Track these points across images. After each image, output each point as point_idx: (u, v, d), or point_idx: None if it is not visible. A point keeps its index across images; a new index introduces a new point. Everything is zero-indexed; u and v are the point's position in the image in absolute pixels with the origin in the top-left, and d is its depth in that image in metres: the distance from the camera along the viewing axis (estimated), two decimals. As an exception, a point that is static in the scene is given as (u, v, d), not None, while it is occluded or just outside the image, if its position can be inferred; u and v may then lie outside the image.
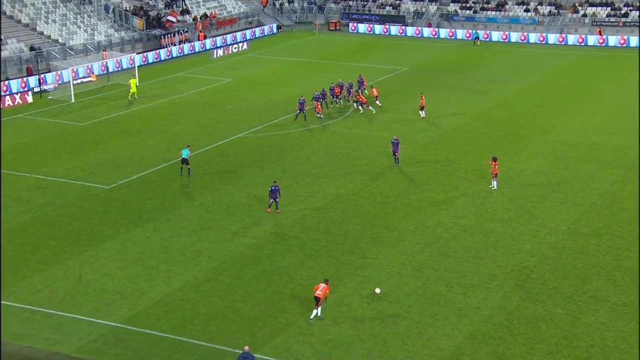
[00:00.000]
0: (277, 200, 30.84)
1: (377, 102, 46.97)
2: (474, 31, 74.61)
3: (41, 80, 51.77)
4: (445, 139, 41.09)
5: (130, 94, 49.69)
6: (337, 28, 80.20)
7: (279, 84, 54.12)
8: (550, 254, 27.68)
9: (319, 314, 23.20)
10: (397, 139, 36.66)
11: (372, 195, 33.24)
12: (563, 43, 69.73)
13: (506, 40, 71.78)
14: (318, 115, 43.85)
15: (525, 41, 71.10)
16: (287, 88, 52.92)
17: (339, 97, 46.60)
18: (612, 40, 68.72)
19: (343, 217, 30.86)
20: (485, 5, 78.61)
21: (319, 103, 44.08)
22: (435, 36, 74.45)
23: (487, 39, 72.36)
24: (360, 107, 45.20)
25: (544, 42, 70.24)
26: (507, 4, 78.25)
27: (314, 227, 29.93)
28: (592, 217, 30.56)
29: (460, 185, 34.29)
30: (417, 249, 28.19)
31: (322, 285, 23.56)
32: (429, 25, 77.57)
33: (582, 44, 69.15)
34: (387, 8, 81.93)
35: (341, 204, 32.28)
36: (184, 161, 35.12)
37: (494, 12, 77.59)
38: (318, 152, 38.98)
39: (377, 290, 24.20)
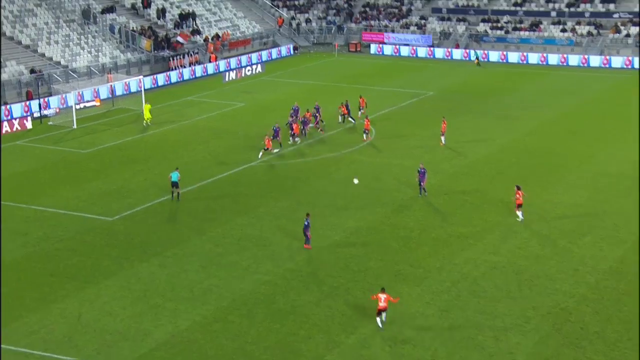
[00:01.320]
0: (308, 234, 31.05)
1: (360, 113, 49.88)
2: (473, 50, 75.02)
3: (42, 105, 52.68)
4: (474, 168, 41.07)
5: (144, 120, 50.36)
6: (358, 49, 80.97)
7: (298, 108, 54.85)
8: (590, 295, 27.38)
9: (384, 319, 24.95)
10: (423, 168, 36.78)
11: (395, 229, 33.23)
12: (607, 66, 69.32)
13: (544, 63, 71.87)
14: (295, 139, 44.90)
15: (564, 63, 70.87)
16: (304, 113, 53.45)
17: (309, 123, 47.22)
18: (661, 62, 68.33)
19: (363, 253, 30.85)
20: (518, 25, 79.00)
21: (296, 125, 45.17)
22: (467, 58, 74.84)
23: (524, 61, 72.52)
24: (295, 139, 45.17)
25: (585, 65, 69.93)
26: (541, 23, 78.53)
27: (332, 263, 29.94)
28: (637, 255, 30.19)
29: (490, 219, 34.19)
30: (444, 288, 28.06)
31: (383, 296, 24.55)
32: (457, 47, 78.07)
33: (629, 66, 68.70)
34: (412, 28, 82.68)
35: (361, 238, 32.28)
36: (174, 185, 35.69)
37: (527, 33, 77.91)
38: (336, 182, 39.13)
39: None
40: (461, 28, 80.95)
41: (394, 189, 38.04)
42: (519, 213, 33.63)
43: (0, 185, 38.29)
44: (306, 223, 30.94)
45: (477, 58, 73.96)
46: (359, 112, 52.03)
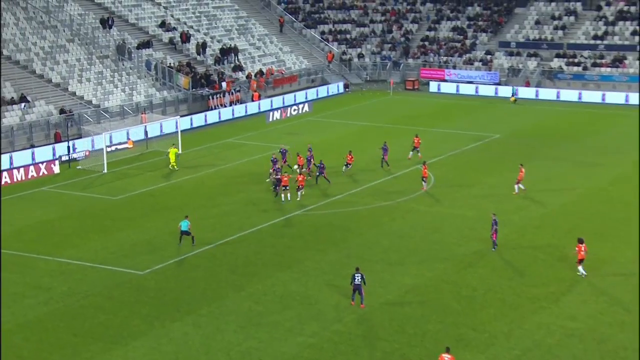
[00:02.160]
0: (361, 291, 30.88)
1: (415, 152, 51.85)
2: (514, 87, 74.89)
3: (70, 148, 54.06)
4: (547, 220, 40.49)
5: (170, 164, 51.25)
6: (416, 87, 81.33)
7: (345, 152, 55.00)
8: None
9: None
10: (496, 218, 36.54)
11: (456, 288, 32.81)
12: None
13: (628, 103, 70.87)
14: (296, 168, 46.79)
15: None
16: (355, 157, 53.60)
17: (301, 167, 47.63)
18: None
19: (421, 314, 30.49)
20: (599, 61, 78.17)
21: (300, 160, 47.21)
22: (533, 97, 74.58)
23: (605, 101, 71.70)
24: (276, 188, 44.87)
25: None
26: (626, 59, 77.55)
27: (385, 325, 29.63)
28: None
29: (567, 278, 33.49)
30: (513, 356, 27.45)
31: (447, 356, 24.70)
32: (527, 85, 77.73)
33: None
34: (476, 64, 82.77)
35: (418, 297, 31.96)
36: (184, 233, 36.70)
37: (609, 69, 77.06)
38: (390, 233, 38.99)
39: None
40: (532, 64, 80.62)
41: (455, 242, 37.67)
42: (580, 268, 33.22)
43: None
44: (357, 280, 30.86)
45: (513, 95, 73.71)
46: (411, 153, 52.52)
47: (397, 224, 40.42)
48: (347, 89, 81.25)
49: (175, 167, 51.09)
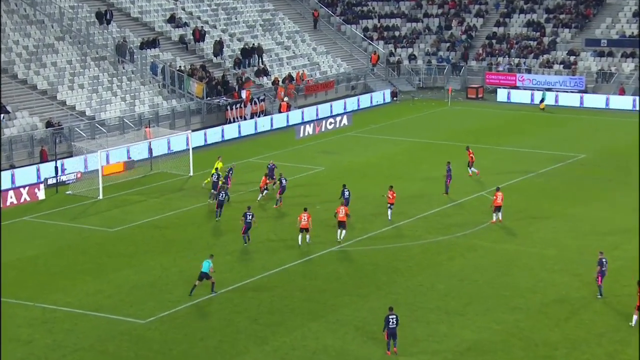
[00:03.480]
0: (396, 336, 30.95)
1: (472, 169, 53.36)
2: (544, 92, 75.36)
3: (59, 169, 54.56)
4: (649, 260, 39.99)
5: (205, 182, 51.98)
6: (480, 96, 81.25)
7: (393, 176, 54.79)
8: None
9: None
10: (604, 258, 36.22)
11: (530, 345, 32.40)
12: None
13: None
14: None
15: None
16: (405, 181, 53.42)
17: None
18: None
19: (486, 377, 30.18)
20: None
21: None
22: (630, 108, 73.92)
23: None
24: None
25: None
26: None
27: (442, 391, 29.36)
28: None
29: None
30: None
31: None
32: (622, 92, 77.05)
33: None
34: (557, 67, 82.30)
35: (482, 356, 31.62)
36: (204, 276, 36.52)
37: None
38: (448, 276, 38.76)
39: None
40: (628, 67, 79.82)
41: (530, 288, 37.29)
42: (635, 317, 33.29)
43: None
44: (392, 323, 30.92)
45: (542, 101, 73.50)
46: (470, 170, 53.35)
47: (456, 264, 40.14)
48: (395, 98, 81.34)
49: (226, 185, 51.59)
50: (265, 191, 50.21)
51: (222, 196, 47.05)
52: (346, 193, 46.97)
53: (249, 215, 43.01)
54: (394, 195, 46.01)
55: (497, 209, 45.49)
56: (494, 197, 45.66)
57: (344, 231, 43.02)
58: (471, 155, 54.12)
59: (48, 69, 66.17)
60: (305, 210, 42.76)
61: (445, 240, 43.20)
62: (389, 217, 45.94)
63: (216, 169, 51.35)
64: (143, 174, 56.86)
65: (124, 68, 70.28)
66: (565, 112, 73.90)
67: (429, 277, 38.60)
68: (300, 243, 42.37)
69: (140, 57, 71.06)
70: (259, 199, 49.72)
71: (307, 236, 42.32)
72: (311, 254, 41.58)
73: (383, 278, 38.54)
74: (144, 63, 71.05)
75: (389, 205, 45.98)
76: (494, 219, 45.49)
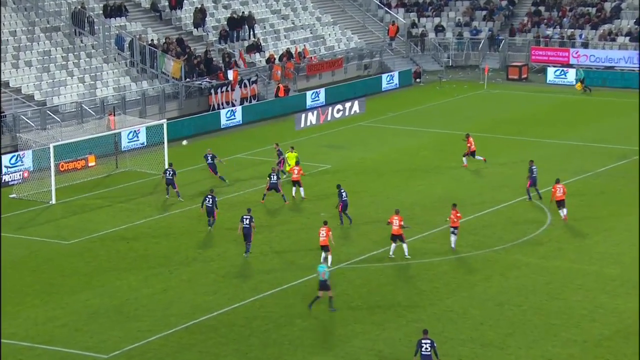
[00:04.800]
0: None
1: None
2: (578, 70, 75.51)
3: (1, 167, 54.47)
4: None
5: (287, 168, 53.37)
6: (524, 76, 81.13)
7: (415, 175, 55.09)
8: None
9: None
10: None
11: (587, 385, 32.46)
12: None
13: None
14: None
15: None
16: (430, 182, 53.76)
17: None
18: None
19: None
20: None
21: None
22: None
23: None
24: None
25: None
26: None
27: None
28: None
29: None
30: None
31: None
32: None
33: None
34: (621, 39, 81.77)
35: (528, 400, 31.65)
36: (324, 285, 37.22)
37: None
38: (483, 299, 38.77)
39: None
40: None
41: (587, 315, 37.23)
42: None
43: None
44: (426, 349, 31.17)
45: (581, 80, 74.41)
46: (464, 159, 54.87)
47: (494, 285, 40.11)
48: (418, 80, 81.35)
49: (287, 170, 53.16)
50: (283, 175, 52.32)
51: (273, 178, 49.81)
52: (343, 195, 47.07)
53: (247, 218, 43.23)
54: (459, 216, 44.02)
55: (560, 203, 46.00)
56: (553, 189, 46.08)
57: (404, 245, 42.87)
58: (471, 144, 55.10)
59: (-12, 42, 66.29)
60: (325, 224, 42.70)
61: (481, 256, 43.16)
62: (452, 245, 43.89)
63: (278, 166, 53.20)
64: (106, 172, 56.89)
65: (82, 41, 70.26)
66: (631, 97, 73.68)
67: (461, 301, 38.53)
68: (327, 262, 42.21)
69: (102, 28, 71.07)
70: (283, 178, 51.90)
71: (329, 257, 42.02)
72: (314, 272, 41.49)
73: (403, 302, 38.49)
74: (107, 35, 71.06)
75: (452, 229, 43.95)
76: (562, 215, 46.12)
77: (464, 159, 55.87)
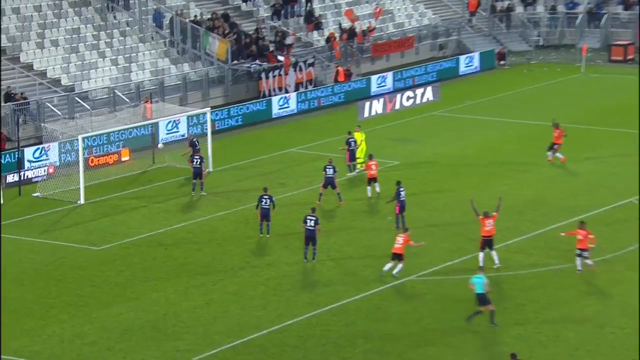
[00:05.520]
0: None
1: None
2: None
3: (22, 161, 54.89)
4: None
5: (356, 163, 54.10)
6: (630, 57, 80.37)
7: (496, 173, 55.15)
8: None
9: None
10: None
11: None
12: None
13: None
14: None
15: None
16: (515, 182, 53.70)
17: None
18: None
19: None
20: None
21: None
22: None
23: None
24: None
25: None
26: None
27: None
28: None
29: None
30: None
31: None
32: None
33: None
34: None
35: None
36: (482, 299, 37.54)
37: None
38: (579, 320, 38.46)
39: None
40: None
41: None
42: None
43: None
44: None
45: None
46: (550, 153, 54.33)
47: (592, 303, 39.69)
48: (502, 62, 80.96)
49: (360, 167, 53.84)
50: (356, 170, 53.67)
51: (329, 171, 50.38)
52: (402, 194, 47.06)
53: (311, 219, 43.35)
54: (590, 236, 42.56)
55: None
56: None
57: (493, 252, 42.92)
58: (559, 135, 54.67)
59: (7, 18, 66.69)
60: (406, 230, 42.57)
61: (575, 269, 42.90)
62: (578, 267, 42.61)
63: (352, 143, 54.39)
64: (142, 169, 57.27)
65: (115, 18, 70.67)
66: None
67: (552, 322, 38.18)
68: (390, 272, 42.32)
69: (138, 3, 71.42)
70: (349, 175, 53.04)
71: (399, 265, 42.10)
72: (379, 285, 41.55)
73: (483, 322, 38.20)
74: (144, 11, 71.41)
75: (579, 251, 42.57)
76: None
77: (548, 153, 55.68)
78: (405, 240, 41.74)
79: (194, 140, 56.08)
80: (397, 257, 41.87)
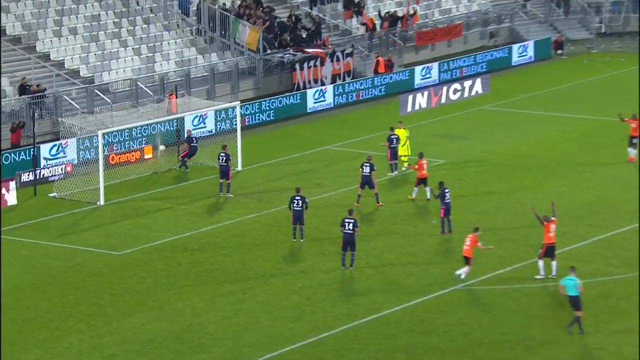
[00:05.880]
0: None
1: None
2: None
3: (38, 158, 54.96)
4: None
5: (405, 160, 54.04)
6: None
7: (552, 174, 55.06)
8: None
9: None
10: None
11: None
12: None
13: None
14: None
15: None
16: (573, 183, 53.68)
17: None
18: None
19: None
20: None
21: None
22: None
23: None
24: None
25: None
26: None
27: None
28: None
29: None
30: None
31: None
32: None
33: None
34: None
35: None
36: (576, 302, 37.44)
37: None
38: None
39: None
40: None
41: None
42: None
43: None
44: None
45: None
46: (632, 150, 54.28)
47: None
48: (559, 51, 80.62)
49: (406, 163, 54.18)
50: (403, 168, 53.98)
51: (365, 169, 50.13)
52: (447, 195, 46.93)
53: (349, 222, 43.19)
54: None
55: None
56: None
57: (554, 263, 42.69)
58: (638, 126, 54.35)
59: (22, 4, 66.96)
60: (475, 230, 42.41)
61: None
62: None
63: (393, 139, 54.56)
64: (166, 167, 57.36)
65: (138, 4, 70.78)
66: None
67: (613, 337, 37.85)
68: (461, 277, 42.44)
69: (163, -12, 71.77)
70: (390, 175, 52.99)
71: (464, 268, 42.12)
72: (423, 294, 41.42)
73: (537, 335, 38.05)
74: (169, -2, 71.74)
75: None
76: None
77: (630, 150, 55.31)
78: (472, 242, 41.74)
79: (192, 136, 56.71)
80: (466, 260, 41.94)
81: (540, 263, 42.24)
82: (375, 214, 50.12)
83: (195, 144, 55.46)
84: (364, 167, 50.00)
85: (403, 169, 54.71)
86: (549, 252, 42.18)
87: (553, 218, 42.59)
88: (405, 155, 54.93)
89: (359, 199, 50.28)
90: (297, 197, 46.09)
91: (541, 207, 45.57)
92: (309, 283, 42.72)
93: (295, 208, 46.18)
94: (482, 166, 56.52)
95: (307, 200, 46.50)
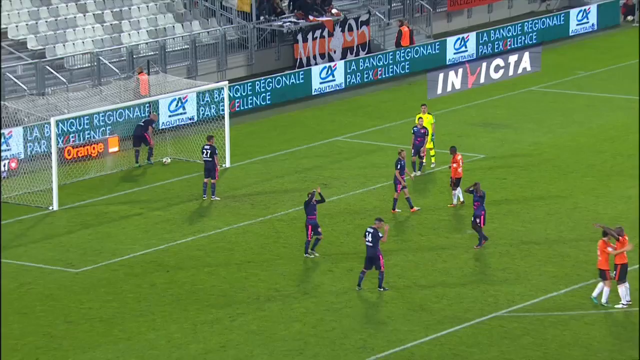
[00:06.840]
0: None
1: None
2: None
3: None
4: None
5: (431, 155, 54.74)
6: None
7: (619, 173, 55.28)
8: None
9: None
10: None
11: None
12: None
13: None
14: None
15: None
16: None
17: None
18: None
19: None
20: None
21: None
22: None
23: None
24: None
25: None
26: None
27: None
28: None
29: None
30: None
31: None
32: None
33: None
34: None
35: None
36: None
37: None
38: None
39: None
40: None
41: None
42: None
43: None
44: None
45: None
46: None
47: None
48: (629, 17, 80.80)
49: (433, 160, 55.13)
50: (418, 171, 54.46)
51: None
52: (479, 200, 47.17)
53: (369, 232, 43.00)
54: None
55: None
56: None
57: (605, 288, 42.53)
58: None
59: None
60: (604, 234, 42.12)
61: None
62: None
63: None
64: (136, 163, 57.50)
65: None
66: None
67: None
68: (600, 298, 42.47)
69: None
70: (414, 174, 53.22)
71: (602, 286, 42.13)
72: (456, 323, 41.40)
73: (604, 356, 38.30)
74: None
75: None
76: None
77: None
78: (602, 249, 41.60)
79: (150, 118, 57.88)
80: (602, 274, 41.87)
81: (600, 287, 42.13)
82: (397, 222, 50.12)
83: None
84: (399, 163, 49.96)
85: (433, 165, 54.62)
86: (623, 271, 41.97)
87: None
88: (430, 149, 54.81)
89: (396, 203, 50.37)
90: (206, 147, 46.35)
91: (604, 216, 45.72)
92: (314, 308, 42.79)
93: (205, 159, 46.90)
94: (531, 162, 56.76)
95: (217, 152, 47.53)
